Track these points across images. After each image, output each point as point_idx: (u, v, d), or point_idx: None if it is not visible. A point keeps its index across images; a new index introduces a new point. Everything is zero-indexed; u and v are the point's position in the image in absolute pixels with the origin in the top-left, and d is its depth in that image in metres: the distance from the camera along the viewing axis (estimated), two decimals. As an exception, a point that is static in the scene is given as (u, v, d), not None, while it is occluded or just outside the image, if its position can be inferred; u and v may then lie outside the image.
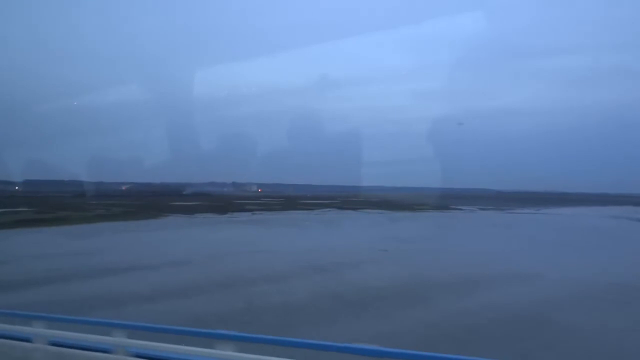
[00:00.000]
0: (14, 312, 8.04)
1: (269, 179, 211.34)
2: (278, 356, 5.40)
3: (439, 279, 27.58)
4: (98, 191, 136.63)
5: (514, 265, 32.79)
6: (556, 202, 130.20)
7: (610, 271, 31.02)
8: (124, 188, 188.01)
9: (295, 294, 23.78)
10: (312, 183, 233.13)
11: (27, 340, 6.99)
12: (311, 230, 58.11)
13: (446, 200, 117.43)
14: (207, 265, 32.44)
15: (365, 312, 20.43)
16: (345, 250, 39.23)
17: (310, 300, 22.63)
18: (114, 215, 70.93)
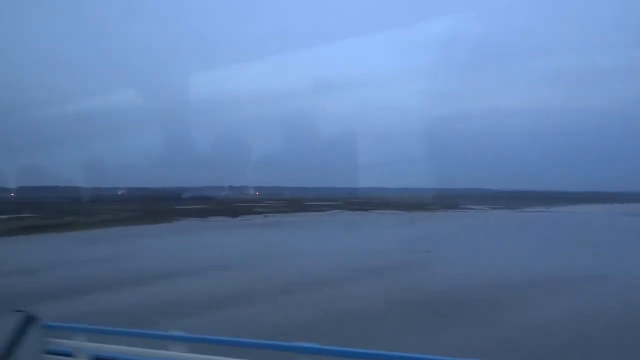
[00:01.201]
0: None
1: (265, 182, 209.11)
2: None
3: (508, 282, 25.77)
4: (95, 196, 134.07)
5: (572, 265, 31.13)
6: (559, 201, 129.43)
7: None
8: (119, 193, 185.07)
9: (366, 300, 21.83)
10: (307, 185, 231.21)
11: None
12: (336, 231, 56.16)
13: (453, 200, 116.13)
14: (251, 269, 30.41)
15: (461, 319, 18.54)
16: (385, 251, 37.37)
17: (389, 307, 20.69)
18: (123, 220, 68.54)
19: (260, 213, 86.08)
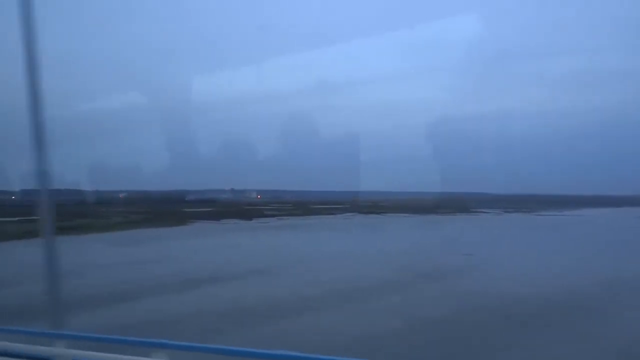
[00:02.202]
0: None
1: (265, 186, 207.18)
2: None
3: (586, 286, 24.46)
4: (98, 199, 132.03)
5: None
6: (569, 204, 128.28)
7: None
8: (121, 196, 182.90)
9: (442, 307, 20.50)
10: (309, 189, 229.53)
11: None
12: (362, 234, 54.70)
13: (463, 203, 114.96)
14: (296, 273, 29.00)
15: (569, 330, 17.18)
16: (425, 254, 36.02)
17: (474, 315, 19.31)
18: (136, 222, 66.82)
19: (272, 216, 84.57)
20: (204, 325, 17.78)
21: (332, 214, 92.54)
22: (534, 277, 26.98)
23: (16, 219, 67.50)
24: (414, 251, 38.11)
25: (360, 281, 25.88)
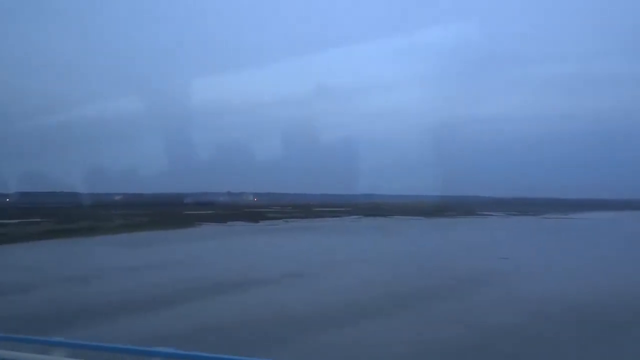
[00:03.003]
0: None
1: (261, 189, 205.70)
2: None
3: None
4: (94, 202, 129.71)
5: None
6: (570, 208, 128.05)
7: None
8: (116, 199, 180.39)
9: (510, 314, 19.09)
10: (305, 192, 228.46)
11: None
12: (379, 237, 53.24)
13: (467, 206, 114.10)
14: (332, 276, 27.48)
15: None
16: (457, 258, 34.66)
17: (550, 324, 17.95)
18: (142, 225, 64.91)
19: (277, 218, 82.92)
20: (265, 333, 16.29)
21: (338, 216, 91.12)
22: (585, 281, 25.74)
23: (16, 221, 65.58)
24: (443, 254, 36.76)
25: (403, 285, 24.46)
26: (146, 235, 53.61)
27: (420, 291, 23.15)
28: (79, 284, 25.09)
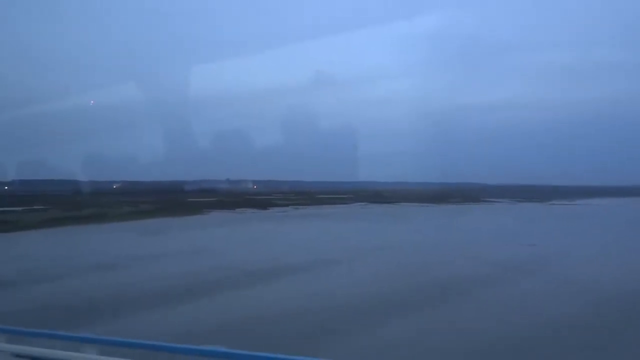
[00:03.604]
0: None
1: (260, 176, 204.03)
2: None
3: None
4: (93, 189, 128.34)
5: None
6: (573, 195, 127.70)
7: None
8: (115, 187, 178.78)
9: (568, 305, 18.39)
10: (303, 179, 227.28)
11: None
12: (394, 223, 52.45)
13: (474, 193, 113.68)
14: (367, 264, 26.69)
15: None
16: (483, 245, 33.96)
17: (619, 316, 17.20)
18: (150, 212, 63.96)
19: (284, 205, 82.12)
20: (317, 325, 15.50)
21: (344, 203, 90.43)
22: (628, 266, 25.09)
23: (20, 208, 64.43)
24: (467, 241, 36.04)
25: (441, 273, 23.71)
26: (157, 222, 52.70)
27: (461, 279, 22.42)
28: (104, 272, 24.22)
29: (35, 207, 67.90)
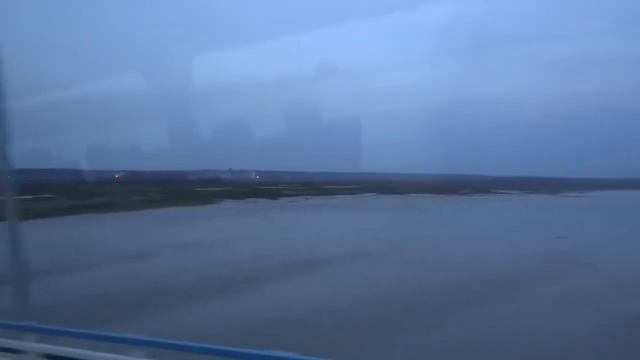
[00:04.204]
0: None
1: (261, 167, 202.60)
2: None
3: None
4: (97, 179, 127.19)
5: None
6: (580, 187, 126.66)
7: None
8: (117, 176, 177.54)
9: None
10: (305, 170, 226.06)
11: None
12: (408, 215, 51.22)
13: (484, 184, 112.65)
14: (406, 257, 25.69)
15: None
16: (518, 238, 32.94)
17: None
18: (160, 201, 62.90)
19: (292, 195, 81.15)
20: (380, 317, 14.61)
21: (352, 193, 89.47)
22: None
23: (30, 197, 63.27)
24: (497, 233, 35.07)
25: (490, 267, 22.77)
26: (170, 211, 51.67)
27: (515, 273, 21.47)
28: (138, 262, 23.27)
29: (41, 195, 66.81)
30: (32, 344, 5.85)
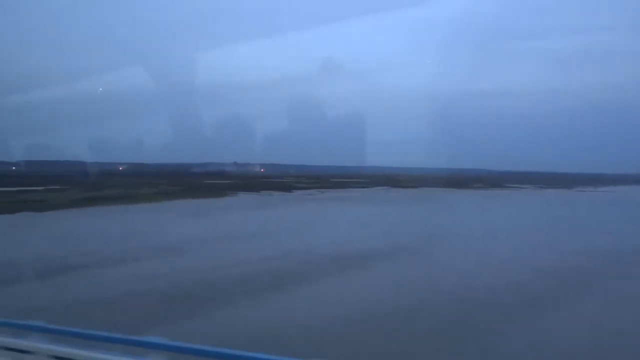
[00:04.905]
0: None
1: (264, 160, 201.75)
2: None
3: None
4: (101, 171, 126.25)
5: None
6: (591, 182, 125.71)
7: None
8: (120, 168, 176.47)
9: None
10: (309, 164, 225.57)
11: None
12: (430, 208, 50.05)
13: (496, 179, 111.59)
14: (445, 250, 24.58)
15: None
16: (562, 233, 31.81)
17: None
18: (176, 193, 61.74)
19: (305, 188, 79.96)
20: (455, 319, 13.54)
21: (364, 187, 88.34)
22: None
23: (41, 188, 62.15)
24: (535, 228, 33.98)
25: (547, 264, 21.67)
26: (190, 203, 50.43)
27: (577, 270, 20.40)
28: (177, 255, 22.12)
29: (52, 187, 65.67)
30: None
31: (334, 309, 14.51)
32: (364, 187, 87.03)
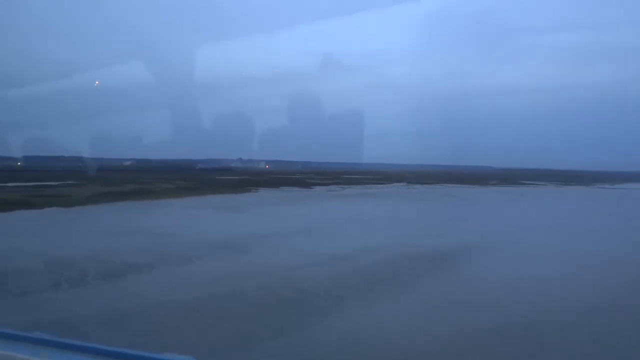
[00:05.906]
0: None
1: (266, 157, 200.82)
2: None
3: None
4: (107, 166, 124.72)
5: None
6: (603, 180, 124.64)
7: None
8: (125, 164, 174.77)
9: None
10: (311, 160, 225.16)
11: None
12: (466, 205, 48.59)
13: (512, 176, 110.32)
14: (516, 249, 22.93)
15: None
16: (617, 230, 30.39)
17: None
18: (197, 189, 60.08)
19: (325, 184, 78.46)
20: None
21: (381, 183, 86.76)
22: None
23: (56, 183, 60.48)
24: (582, 225, 32.39)
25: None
26: (217, 199, 48.70)
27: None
28: (237, 253, 20.44)
29: (68, 182, 63.97)
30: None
31: (466, 316, 12.93)
32: (381, 184, 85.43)
